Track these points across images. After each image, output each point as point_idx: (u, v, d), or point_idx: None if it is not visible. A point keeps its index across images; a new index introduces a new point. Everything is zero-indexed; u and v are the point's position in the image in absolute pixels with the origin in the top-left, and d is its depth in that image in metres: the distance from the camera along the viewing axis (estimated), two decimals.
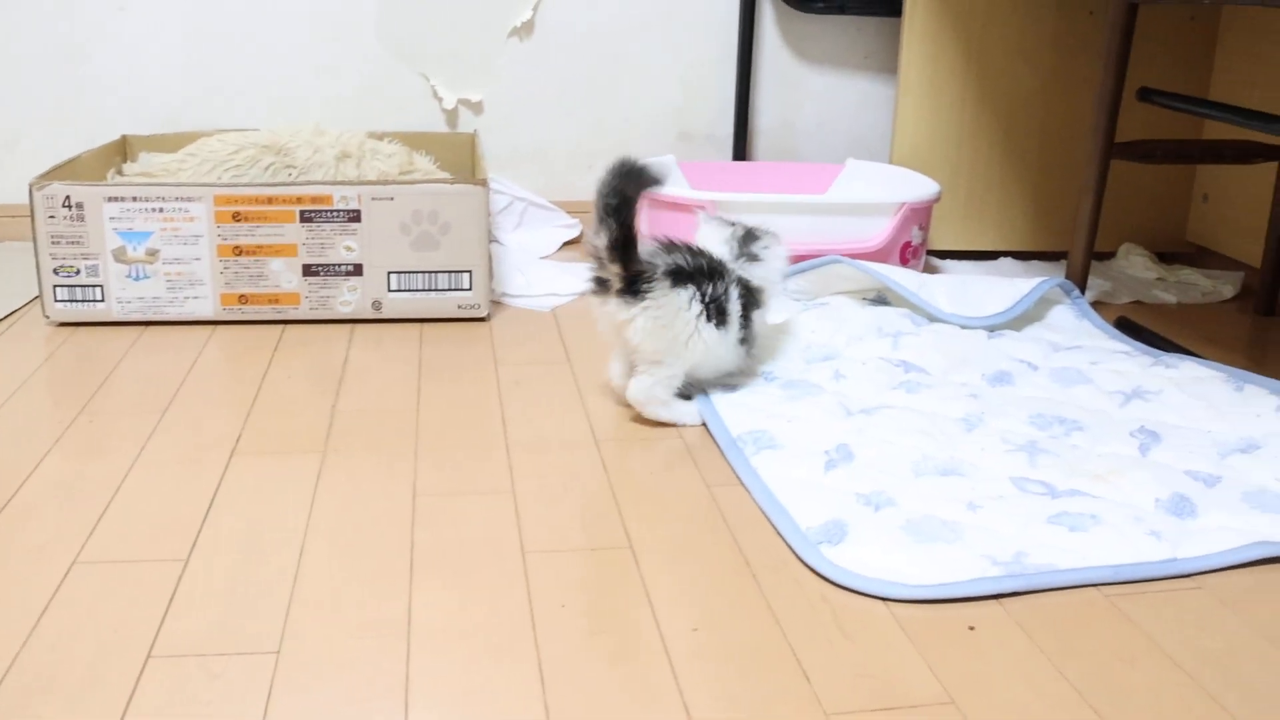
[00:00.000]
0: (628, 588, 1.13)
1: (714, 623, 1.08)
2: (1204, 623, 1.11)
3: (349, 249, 1.87)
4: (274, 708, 0.94)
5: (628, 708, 0.95)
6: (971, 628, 1.08)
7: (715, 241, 1.63)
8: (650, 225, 2.12)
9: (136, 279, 1.86)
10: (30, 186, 1.81)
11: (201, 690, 0.96)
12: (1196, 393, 1.59)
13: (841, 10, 2.42)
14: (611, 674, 1.00)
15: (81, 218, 1.83)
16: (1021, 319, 1.90)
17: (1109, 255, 2.45)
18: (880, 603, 1.12)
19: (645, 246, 1.51)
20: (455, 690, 0.97)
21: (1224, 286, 2.24)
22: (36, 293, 1.97)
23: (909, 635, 1.07)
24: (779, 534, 1.24)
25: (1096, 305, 2.10)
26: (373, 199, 1.86)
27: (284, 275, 1.88)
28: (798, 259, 1.98)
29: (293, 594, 1.11)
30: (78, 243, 1.84)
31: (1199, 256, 2.46)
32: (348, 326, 1.90)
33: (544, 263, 2.27)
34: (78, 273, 1.85)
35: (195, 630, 1.05)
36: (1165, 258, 2.45)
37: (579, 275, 2.15)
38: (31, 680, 0.97)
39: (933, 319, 1.87)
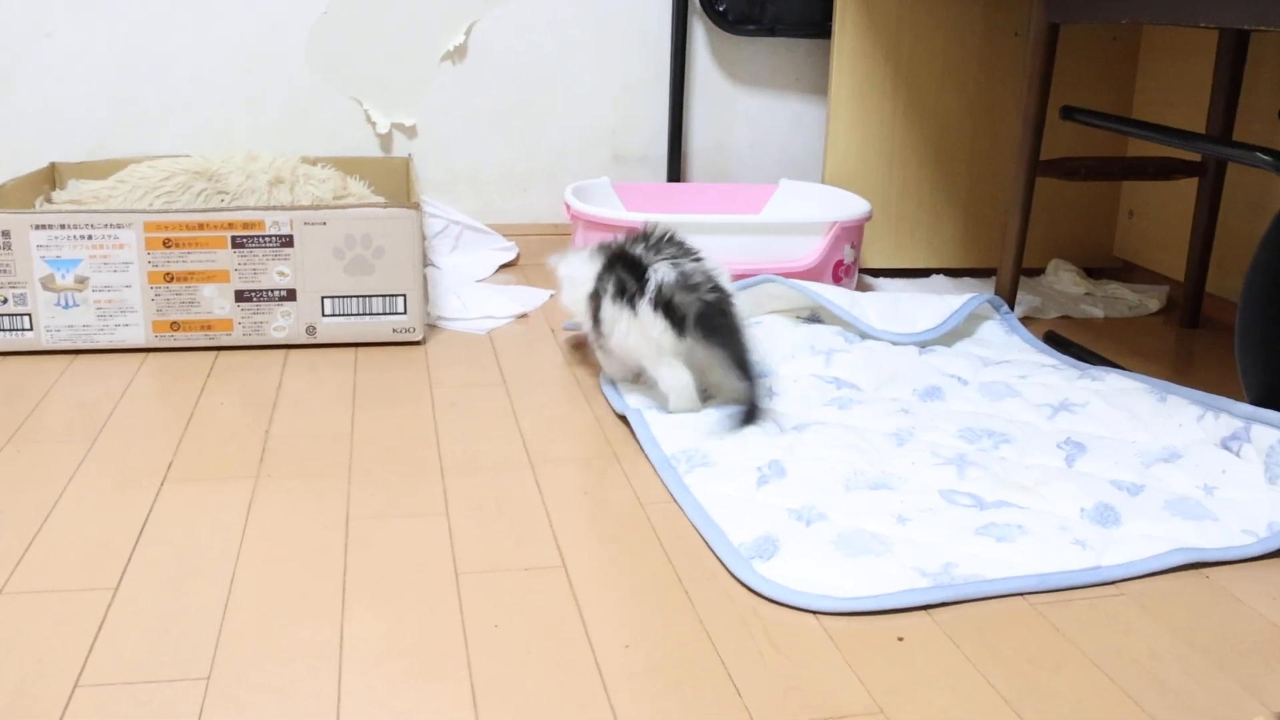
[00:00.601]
0: (561, 607, 1.14)
1: (646, 639, 1.08)
2: (1127, 628, 1.13)
3: (282, 274, 1.87)
4: None
5: None
6: (900, 639, 1.10)
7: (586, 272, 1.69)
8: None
9: (66, 307, 1.84)
10: None
11: (130, 718, 0.95)
12: (1121, 404, 1.62)
13: (772, 32, 2.45)
14: (544, 693, 1.00)
15: (8, 246, 1.81)
16: (952, 335, 1.93)
17: (1038, 271, 2.49)
18: (811, 616, 1.13)
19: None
20: (387, 713, 0.97)
21: (1149, 300, 2.29)
22: None
23: (839, 647, 1.08)
24: (711, 550, 1.25)
25: (1026, 320, 2.13)
26: (305, 224, 1.85)
27: (216, 301, 1.87)
28: (733, 279, 2.00)
29: (223, 620, 1.10)
30: (5, 271, 1.82)
31: (1126, 271, 2.51)
32: (282, 352, 1.89)
33: (480, 285, 2.27)
34: (5, 301, 1.83)
35: (124, 659, 1.04)
36: (1093, 273, 2.50)
37: (514, 298, 2.16)
38: None
39: (865, 336, 1.89)
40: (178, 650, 1.05)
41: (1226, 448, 1.48)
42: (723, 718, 0.97)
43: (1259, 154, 1.60)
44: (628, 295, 1.56)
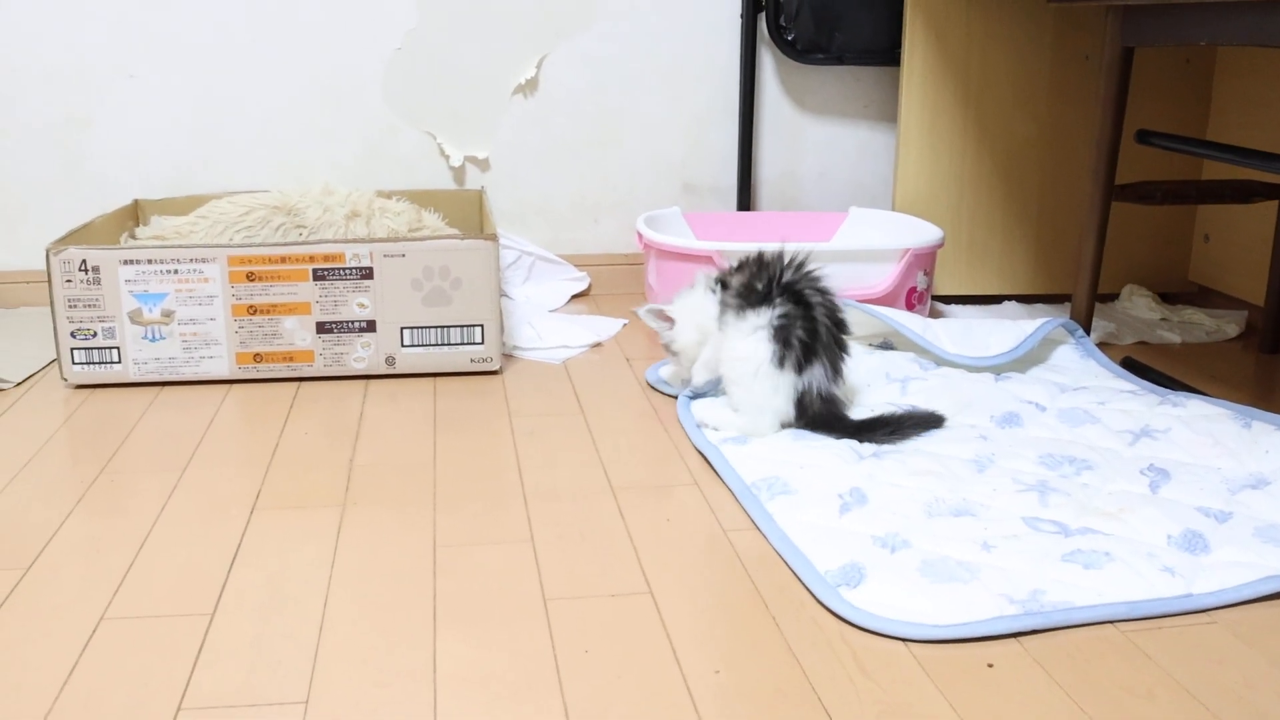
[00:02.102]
0: (649, 632, 1.14)
1: (736, 664, 1.09)
2: (1221, 657, 1.12)
3: (362, 306, 1.90)
4: None
5: None
6: (990, 665, 1.09)
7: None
8: (658, 277, 2.15)
9: (153, 340, 1.88)
10: (47, 251, 1.83)
11: None
12: (1204, 430, 1.60)
13: (840, 60, 2.46)
14: (637, 716, 1.01)
15: (98, 281, 1.86)
16: (1026, 360, 1.92)
17: (1113, 297, 2.47)
18: (900, 643, 1.13)
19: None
20: None
21: (1228, 325, 2.26)
22: (54, 356, 2.00)
23: (929, 674, 1.08)
24: (797, 577, 1.25)
25: (1101, 346, 2.12)
26: (384, 256, 1.88)
27: (298, 333, 1.90)
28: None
29: (318, 645, 1.12)
30: (94, 305, 1.86)
31: (1202, 296, 2.48)
32: (362, 382, 1.92)
33: (553, 315, 2.29)
34: (94, 335, 1.87)
35: (223, 683, 1.06)
36: (1168, 298, 2.47)
37: (588, 327, 2.18)
38: None
39: (939, 362, 1.89)
40: (275, 674, 1.07)
41: None
42: None
43: None
44: (749, 307, 1.64)
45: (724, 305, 1.67)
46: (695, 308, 1.72)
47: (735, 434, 1.63)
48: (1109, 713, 1.02)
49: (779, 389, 1.61)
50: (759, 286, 1.63)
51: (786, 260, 1.65)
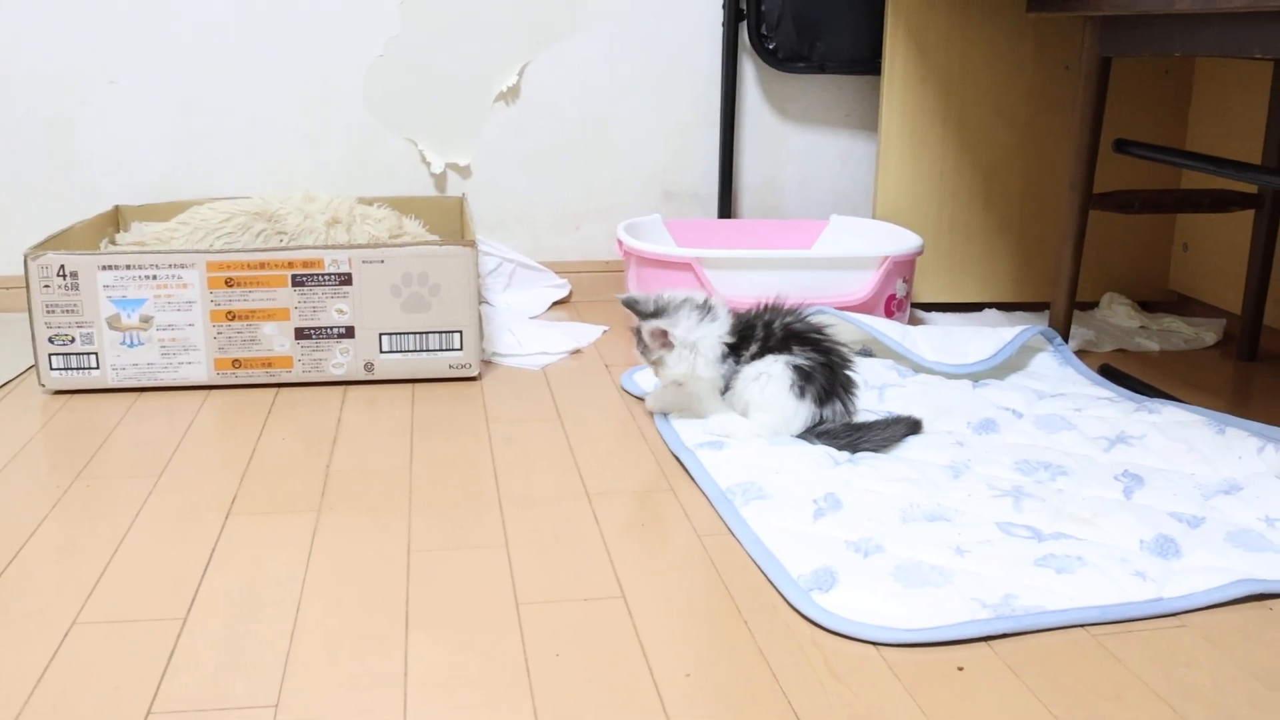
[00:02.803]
0: (621, 636, 1.14)
1: (707, 668, 1.09)
2: (1191, 660, 1.12)
3: (341, 312, 1.90)
4: None
5: None
6: (961, 669, 1.10)
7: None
8: (638, 284, 2.16)
9: (131, 346, 1.88)
10: (25, 256, 1.83)
11: None
12: (1179, 436, 1.61)
13: (821, 69, 2.47)
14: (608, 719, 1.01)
15: (76, 286, 1.85)
16: (1005, 368, 1.93)
17: (1092, 305, 2.48)
18: (871, 647, 1.13)
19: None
20: None
21: (1206, 334, 2.28)
22: (32, 362, 1.99)
23: (899, 677, 1.08)
24: (770, 581, 1.26)
25: (1080, 354, 2.13)
26: (363, 262, 1.89)
27: (277, 339, 1.90)
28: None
29: (290, 649, 1.12)
30: (72, 311, 1.86)
31: (1181, 305, 2.50)
32: (341, 388, 1.92)
33: (534, 322, 2.30)
34: (72, 340, 1.87)
35: (194, 687, 1.06)
36: (1148, 306, 2.48)
37: (567, 333, 2.18)
38: None
39: (918, 369, 1.89)
40: (247, 678, 1.07)
41: None
42: None
43: None
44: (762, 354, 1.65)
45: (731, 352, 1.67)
46: (696, 344, 1.66)
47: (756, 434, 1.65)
48: (1078, 715, 1.03)
49: (799, 413, 1.63)
50: (766, 334, 1.66)
51: (787, 311, 1.69)
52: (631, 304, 1.69)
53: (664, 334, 1.64)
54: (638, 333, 1.66)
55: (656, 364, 1.67)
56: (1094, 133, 1.95)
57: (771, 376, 1.62)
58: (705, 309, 1.66)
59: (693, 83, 2.51)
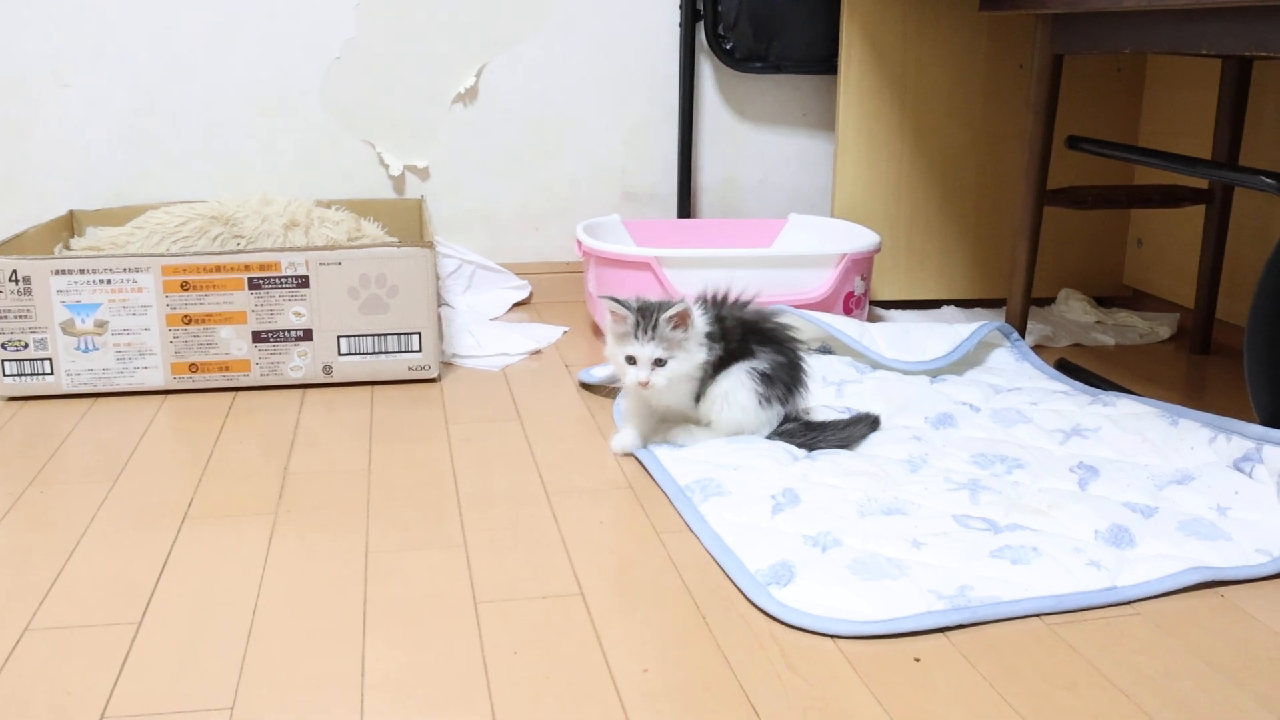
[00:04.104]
0: (579, 633, 1.14)
1: (664, 664, 1.09)
2: (1143, 647, 1.14)
3: (298, 314, 1.89)
4: None
5: None
6: (917, 659, 1.11)
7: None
8: (598, 284, 2.16)
9: (86, 351, 1.86)
10: None
11: None
12: (1133, 429, 1.63)
13: (778, 69, 2.48)
14: (565, 716, 1.01)
15: (29, 291, 1.84)
16: (963, 363, 1.95)
17: (1049, 301, 2.51)
18: (828, 639, 1.14)
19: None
20: None
21: (1160, 328, 2.30)
22: None
23: (856, 669, 1.09)
24: (728, 577, 1.26)
25: (1037, 349, 2.15)
26: (320, 264, 1.88)
27: (234, 343, 1.89)
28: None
29: (246, 651, 1.11)
30: (25, 316, 1.84)
31: (1136, 300, 2.52)
32: (299, 391, 1.91)
33: (494, 324, 2.29)
34: (26, 346, 1.85)
35: (149, 690, 1.05)
36: (1103, 302, 2.51)
37: (527, 334, 2.18)
38: None
39: (876, 365, 1.90)
40: (202, 681, 1.06)
41: (1239, 469, 1.49)
42: None
43: (1263, 177, 1.62)
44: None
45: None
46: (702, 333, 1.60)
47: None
48: (1032, 704, 1.04)
49: (770, 422, 1.63)
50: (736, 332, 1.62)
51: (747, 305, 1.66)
52: (620, 301, 1.55)
53: (687, 317, 1.54)
54: (640, 325, 1.52)
55: (657, 365, 1.53)
56: (1047, 129, 1.97)
57: (737, 392, 1.59)
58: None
59: (651, 83, 2.51)
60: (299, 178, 2.43)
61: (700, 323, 1.57)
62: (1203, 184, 2.15)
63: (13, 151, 2.34)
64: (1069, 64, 2.38)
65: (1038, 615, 1.19)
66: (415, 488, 1.51)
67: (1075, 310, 2.42)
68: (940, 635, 1.15)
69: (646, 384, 1.53)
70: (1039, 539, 1.32)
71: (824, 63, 2.48)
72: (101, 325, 1.86)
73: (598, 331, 2.23)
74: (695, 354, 1.56)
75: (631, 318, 1.53)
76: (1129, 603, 1.22)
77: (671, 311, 1.52)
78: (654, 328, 1.52)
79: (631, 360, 1.54)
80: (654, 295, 1.69)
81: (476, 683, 1.06)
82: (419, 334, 1.92)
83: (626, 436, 1.64)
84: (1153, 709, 1.03)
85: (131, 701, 1.03)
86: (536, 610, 1.19)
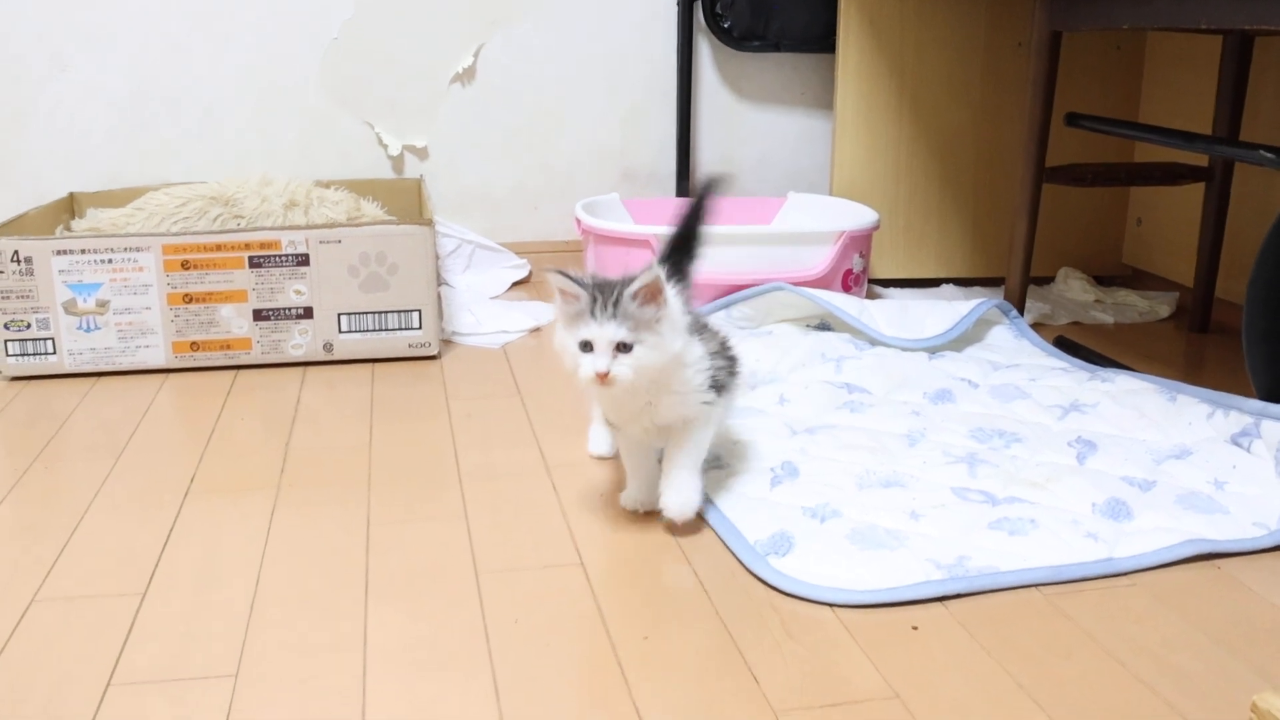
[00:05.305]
0: (580, 602, 1.15)
1: (665, 632, 1.10)
2: (1140, 617, 1.14)
3: (299, 292, 1.90)
4: None
5: (580, 714, 0.97)
6: (915, 628, 1.11)
7: None
8: (597, 262, 2.16)
9: (88, 330, 1.87)
10: None
11: (161, 715, 0.98)
12: (1131, 404, 1.64)
13: (777, 48, 2.48)
14: (565, 681, 1.02)
15: (31, 272, 1.84)
16: (961, 340, 1.95)
17: (1048, 280, 2.51)
18: (826, 608, 1.15)
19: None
20: (412, 703, 0.99)
21: (1160, 306, 2.30)
22: None
23: (855, 637, 1.10)
24: (727, 548, 1.27)
25: (1036, 327, 2.15)
26: (320, 242, 1.88)
27: (234, 321, 1.90)
28: (741, 288, 2.03)
29: (249, 620, 1.12)
30: (27, 297, 1.85)
31: (1136, 279, 2.53)
32: (300, 369, 1.92)
33: (493, 302, 2.30)
34: (28, 326, 1.86)
35: (154, 658, 1.06)
36: (1103, 281, 2.51)
37: (527, 312, 2.19)
38: None
39: (874, 342, 1.91)
40: (206, 649, 1.07)
41: (1237, 444, 1.50)
42: (741, 703, 0.99)
43: (1263, 152, 1.62)
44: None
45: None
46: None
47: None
48: (1029, 671, 1.05)
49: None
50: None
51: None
52: (570, 275, 1.22)
53: (659, 290, 1.20)
54: (598, 301, 1.20)
55: (620, 351, 1.20)
56: (1046, 106, 1.97)
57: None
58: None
59: (649, 62, 2.51)
60: (298, 159, 2.44)
61: (676, 305, 1.25)
62: (1203, 161, 2.15)
63: (12, 135, 2.34)
64: (1068, 44, 2.38)
65: (1035, 585, 1.20)
66: (416, 462, 1.52)
67: (1074, 289, 2.43)
68: (938, 604, 1.16)
69: (606, 376, 1.19)
70: (1036, 511, 1.33)
71: (822, 41, 2.48)
72: (103, 305, 1.87)
73: None
74: (670, 341, 1.22)
75: (585, 294, 1.20)
76: (1126, 574, 1.23)
77: (639, 283, 1.19)
78: (615, 303, 1.19)
79: (586, 346, 1.21)
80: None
81: (478, 650, 1.07)
82: (419, 311, 1.93)
83: (636, 493, 1.35)
84: (1149, 678, 1.04)
85: (138, 668, 1.04)
86: (537, 580, 1.20)
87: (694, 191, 1.44)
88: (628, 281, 1.20)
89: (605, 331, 1.19)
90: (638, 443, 1.33)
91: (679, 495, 1.28)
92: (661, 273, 1.20)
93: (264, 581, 1.20)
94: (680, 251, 1.42)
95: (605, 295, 1.19)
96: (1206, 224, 2.14)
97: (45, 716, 0.98)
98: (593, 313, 1.20)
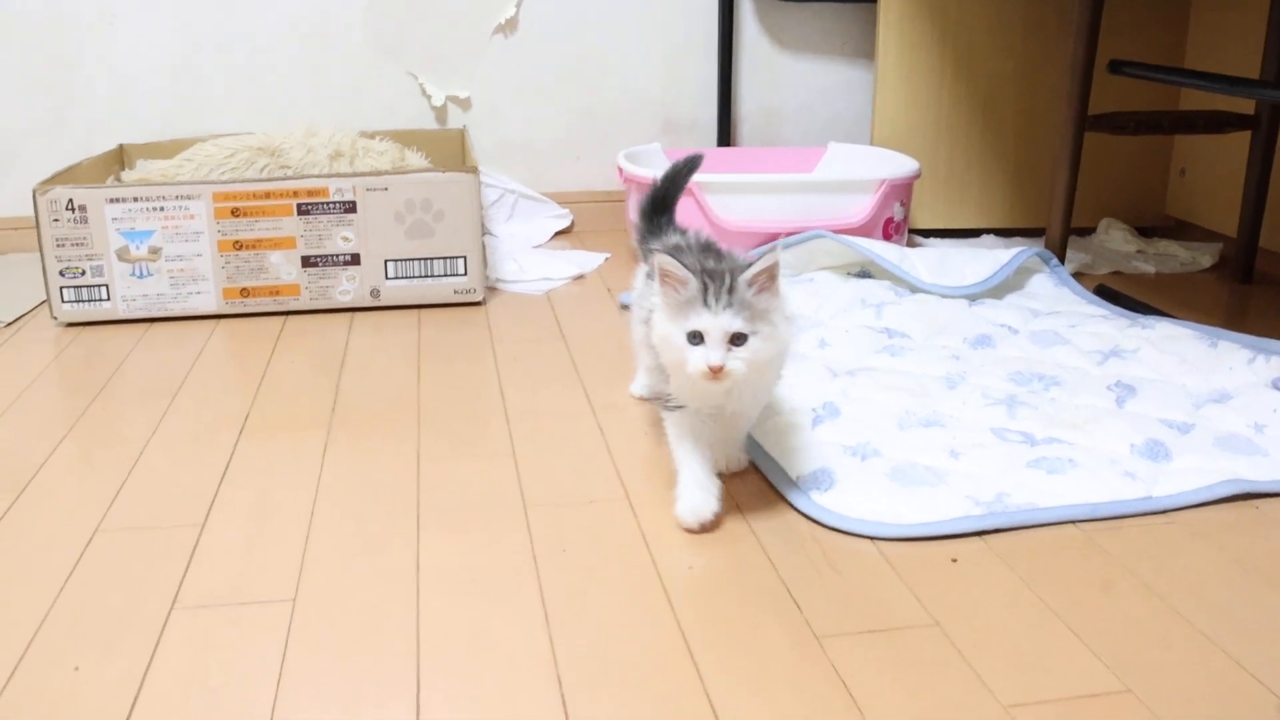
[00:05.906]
0: (626, 534, 1.18)
1: (709, 562, 1.13)
2: (1177, 552, 1.16)
3: (346, 239, 1.93)
4: (292, 648, 0.99)
5: (628, 638, 1.00)
6: (954, 560, 1.14)
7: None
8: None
9: (140, 277, 1.91)
10: (34, 192, 1.86)
11: (223, 635, 1.01)
12: (1172, 350, 1.64)
13: None
14: (613, 607, 1.05)
15: (85, 220, 1.88)
16: (1001, 288, 1.96)
17: (1090, 230, 2.50)
18: (867, 541, 1.17)
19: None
20: (464, 627, 1.02)
21: (1202, 257, 2.30)
22: (44, 296, 2.02)
23: (895, 569, 1.12)
24: (770, 484, 1.29)
25: (1077, 276, 2.15)
26: (367, 190, 1.91)
27: (283, 267, 1.93)
28: (783, 235, 2.04)
29: (305, 550, 1.16)
30: (82, 244, 1.89)
31: (1178, 229, 2.52)
32: (347, 315, 1.95)
33: (537, 251, 2.32)
34: (83, 273, 1.90)
35: (215, 584, 1.10)
36: (1145, 232, 2.50)
37: (570, 260, 2.21)
38: (62, 634, 1.02)
39: (915, 289, 1.92)
40: (264, 576, 1.11)
41: (1277, 388, 1.50)
42: (784, 628, 1.01)
43: None
44: None
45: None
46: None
47: None
48: (1067, 602, 1.06)
49: None
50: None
51: None
52: (679, 258, 1.12)
53: (775, 275, 1.12)
54: (710, 288, 1.10)
55: (735, 343, 1.11)
56: (1089, 52, 1.96)
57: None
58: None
59: (690, 13, 2.51)
60: (343, 110, 2.46)
61: (787, 290, 1.17)
62: (1249, 109, 2.13)
63: (62, 87, 2.38)
64: None
65: (1073, 522, 1.22)
66: (464, 402, 1.55)
67: (1116, 239, 2.42)
68: (977, 539, 1.18)
69: (720, 370, 1.10)
70: (1075, 451, 1.34)
71: None
72: (155, 252, 1.90)
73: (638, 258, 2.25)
74: (783, 330, 1.14)
75: (695, 280, 1.10)
76: (1164, 512, 1.24)
77: (757, 268, 1.10)
78: (730, 291, 1.10)
79: (696, 337, 1.11)
80: (701, 233, 1.34)
81: (527, 576, 1.10)
82: (464, 258, 1.96)
83: (695, 498, 1.19)
84: (1187, 610, 1.06)
85: (200, 593, 1.08)
86: (584, 513, 1.23)
87: (676, 167, 1.46)
88: (742, 266, 1.11)
89: (720, 322, 1.09)
90: (699, 427, 1.21)
91: (742, 455, 1.33)
92: (780, 255, 1.11)
93: (318, 514, 1.24)
94: (657, 214, 1.46)
95: (718, 282, 1.10)
96: (1252, 172, 2.13)
97: (113, 635, 1.02)
98: (705, 301, 1.10)
